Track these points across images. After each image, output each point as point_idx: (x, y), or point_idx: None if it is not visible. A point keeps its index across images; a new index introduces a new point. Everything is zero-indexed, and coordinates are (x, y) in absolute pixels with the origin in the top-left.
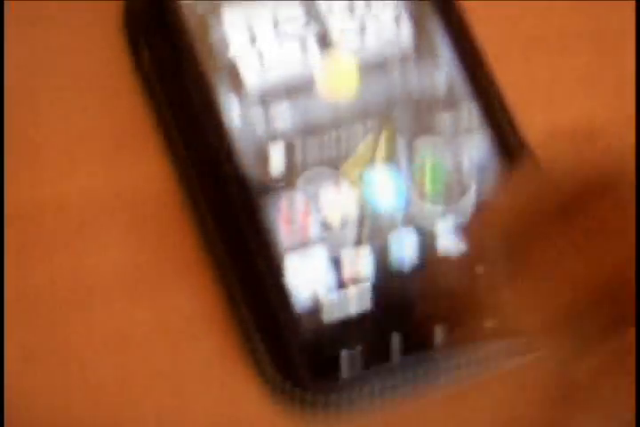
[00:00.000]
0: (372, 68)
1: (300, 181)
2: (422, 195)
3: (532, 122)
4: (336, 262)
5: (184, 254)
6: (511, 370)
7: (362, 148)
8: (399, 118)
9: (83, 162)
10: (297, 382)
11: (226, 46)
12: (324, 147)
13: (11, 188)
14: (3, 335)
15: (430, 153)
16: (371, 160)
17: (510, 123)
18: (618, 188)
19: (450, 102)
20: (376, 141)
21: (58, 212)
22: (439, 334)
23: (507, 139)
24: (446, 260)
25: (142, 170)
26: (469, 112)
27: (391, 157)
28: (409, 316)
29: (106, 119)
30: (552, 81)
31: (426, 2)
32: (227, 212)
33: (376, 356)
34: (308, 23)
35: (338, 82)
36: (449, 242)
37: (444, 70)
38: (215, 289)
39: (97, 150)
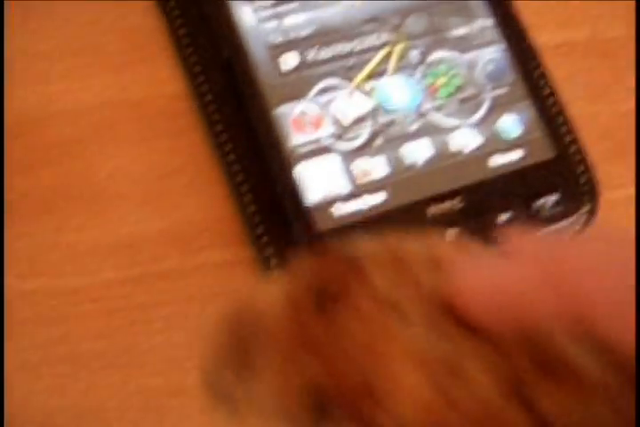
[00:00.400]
0: None
1: (313, 91)
2: (436, 107)
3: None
4: (349, 170)
5: (197, 164)
6: None
7: (376, 59)
8: (414, 30)
9: (97, 72)
10: None
11: None
12: (338, 57)
13: (25, 97)
14: (3, 337)
15: (444, 66)
16: (384, 72)
17: (525, 38)
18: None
19: (466, 15)
20: (390, 53)
21: (72, 120)
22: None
23: (521, 54)
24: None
25: (156, 79)
26: (484, 26)
27: (405, 70)
28: (421, 219)
29: (119, 30)
30: None
31: None
32: (240, 120)
33: None
34: None
35: None
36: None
37: None
38: (227, 201)
39: (111, 60)
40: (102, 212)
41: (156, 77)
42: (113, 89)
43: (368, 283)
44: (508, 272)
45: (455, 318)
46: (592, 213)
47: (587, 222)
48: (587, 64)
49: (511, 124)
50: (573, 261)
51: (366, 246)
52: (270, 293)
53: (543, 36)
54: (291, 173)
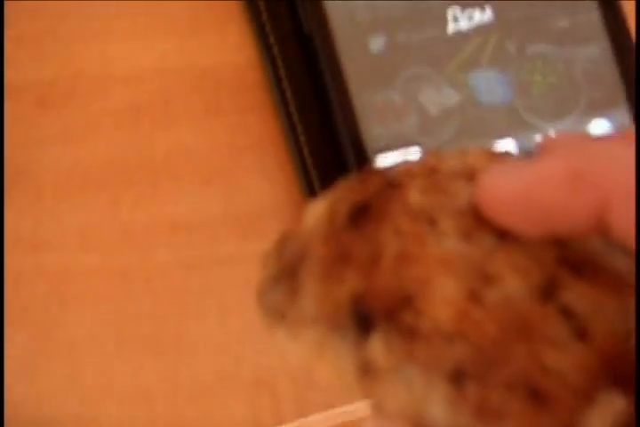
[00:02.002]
0: None
1: (400, 79)
2: (527, 107)
3: None
4: None
5: (264, 144)
6: None
7: (469, 48)
8: (512, 19)
9: (160, 34)
10: None
11: None
12: (427, 43)
13: (82, 55)
14: (3, 340)
15: (540, 61)
16: (477, 62)
17: (629, 36)
18: None
19: (568, 9)
20: (485, 42)
21: (130, 85)
22: None
23: (624, 54)
24: None
25: (224, 46)
26: (588, 21)
27: (499, 62)
28: None
29: None
30: None
31: None
32: (316, 102)
33: None
34: None
35: None
36: None
37: None
38: (294, 185)
39: (176, 21)
40: (159, 189)
41: (225, 44)
42: (176, 54)
43: (404, 197)
44: (534, 172)
45: (487, 225)
46: None
47: None
48: None
49: (603, 129)
50: (600, 158)
51: (405, 164)
52: (313, 212)
53: None
54: (368, 162)
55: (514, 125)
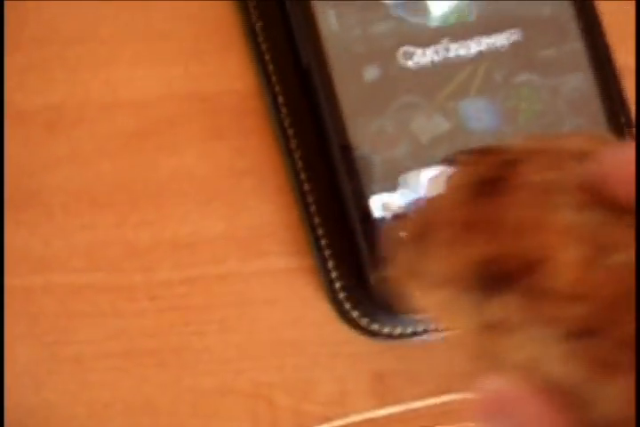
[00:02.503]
0: None
1: (392, 107)
2: (513, 133)
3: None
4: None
5: (264, 167)
6: None
7: (460, 77)
8: (500, 49)
9: (165, 60)
10: (367, 310)
11: None
12: (419, 73)
13: (89, 81)
14: (3, 345)
15: (527, 89)
16: (466, 91)
17: (612, 66)
18: None
19: (554, 39)
20: (474, 72)
21: (136, 110)
22: None
23: (607, 82)
24: None
25: (226, 73)
26: (573, 51)
27: (486, 92)
28: None
29: (191, 16)
30: None
31: None
32: (313, 127)
33: None
34: None
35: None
36: None
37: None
38: (292, 208)
39: (180, 48)
40: (163, 209)
41: (227, 71)
42: (180, 80)
43: (525, 173)
44: None
45: (600, 199)
46: None
47: None
48: None
49: None
50: None
51: (522, 144)
52: (445, 184)
53: (624, 58)
54: (360, 187)
55: None
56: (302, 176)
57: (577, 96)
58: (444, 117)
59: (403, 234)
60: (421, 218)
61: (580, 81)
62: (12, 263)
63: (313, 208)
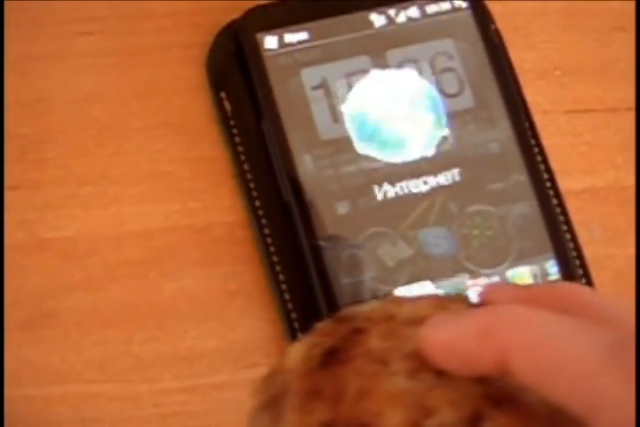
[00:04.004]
0: (435, 132)
1: (361, 238)
2: (468, 257)
3: (572, 185)
4: None
5: (252, 289)
6: None
7: (420, 209)
8: (454, 185)
9: (165, 197)
10: None
11: (302, 98)
12: (385, 207)
13: (100, 217)
14: (3, 352)
15: (479, 218)
16: (426, 221)
17: (556, 192)
18: None
19: (501, 172)
20: (432, 205)
21: (141, 241)
22: None
23: (549, 209)
24: None
25: (218, 207)
26: (518, 182)
27: (444, 220)
28: None
29: (187, 159)
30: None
31: (485, 71)
32: (294, 255)
33: None
34: (377, 79)
35: (404, 141)
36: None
37: (499, 138)
38: (277, 324)
39: (178, 187)
40: (165, 327)
41: (219, 206)
42: (179, 215)
43: (365, 342)
44: (457, 327)
45: (428, 365)
46: None
47: None
48: (605, 209)
49: (533, 274)
50: (505, 319)
51: (368, 309)
52: (293, 353)
53: (568, 181)
54: (339, 309)
55: (457, 273)
56: (286, 296)
57: (523, 223)
58: (406, 244)
59: (257, 400)
60: (274, 385)
61: (526, 208)
62: (33, 375)
63: (296, 324)
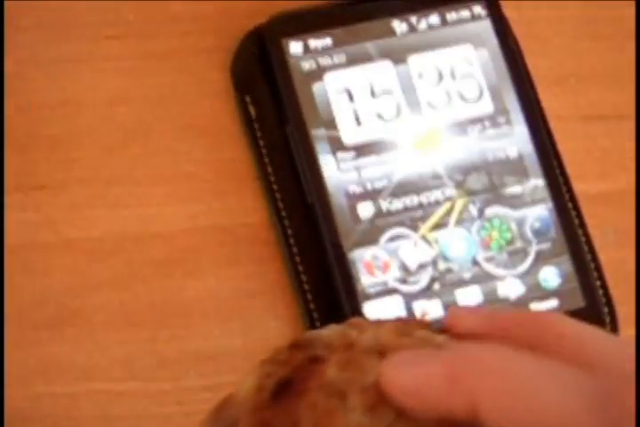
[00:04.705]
0: (454, 136)
1: (383, 238)
2: (488, 258)
3: (587, 189)
4: (410, 310)
5: (275, 289)
6: None
7: (440, 212)
8: (474, 187)
9: (190, 198)
10: None
11: (326, 102)
12: (407, 209)
13: (127, 217)
14: (2, 337)
15: (498, 221)
16: (446, 224)
17: (571, 196)
18: None
19: (519, 176)
20: (452, 207)
21: (166, 241)
22: None
23: (565, 213)
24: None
25: (242, 208)
26: (536, 186)
27: (464, 223)
28: None
29: (211, 161)
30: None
31: (504, 77)
32: (317, 257)
33: None
34: (400, 86)
35: (424, 146)
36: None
37: (517, 143)
38: (300, 324)
39: (202, 188)
40: (190, 326)
41: (243, 207)
42: (203, 215)
43: (322, 372)
44: (422, 371)
45: (387, 400)
46: None
47: None
48: (618, 213)
49: (551, 275)
50: (473, 364)
51: (327, 334)
52: (244, 385)
53: (583, 185)
54: (359, 310)
55: (477, 275)
56: (308, 296)
57: (540, 226)
58: (427, 246)
59: None
60: (222, 419)
61: (542, 212)
62: (59, 373)
63: (318, 323)
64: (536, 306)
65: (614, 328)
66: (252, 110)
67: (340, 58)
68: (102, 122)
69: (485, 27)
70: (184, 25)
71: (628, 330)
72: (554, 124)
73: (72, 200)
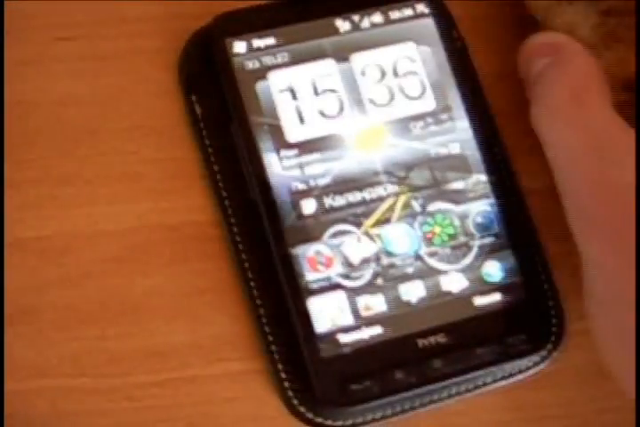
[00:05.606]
0: (397, 132)
1: (326, 234)
2: (430, 253)
3: (532, 183)
4: (353, 305)
5: (222, 286)
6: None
7: (382, 208)
8: (416, 184)
9: (137, 197)
10: (312, 406)
11: (269, 101)
12: (349, 205)
13: (75, 217)
14: (3, 349)
15: (440, 216)
16: (389, 220)
17: (516, 191)
18: None
19: (462, 172)
20: (395, 203)
21: (114, 240)
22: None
23: (510, 206)
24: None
25: (189, 206)
26: (478, 181)
27: (406, 218)
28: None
29: (158, 160)
30: None
31: (447, 74)
32: (262, 253)
33: (384, 387)
34: (343, 84)
35: (367, 143)
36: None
37: (460, 139)
38: (246, 320)
39: (150, 187)
40: (138, 323)
41: (190, 205)
42: (151, 214)
43: None
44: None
45: None
46: (556, 349)
47: (551, 357)
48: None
49: (494, 270)
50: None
51: None
52: None
53: (529, 181)
54: (303, 304)
55: (420, 270)
56: (255, 293)
57: (483, 220)
58: (370, 241)
59: None
60: None
61: (485, 207)
62: (11, 371)
63: (264, 319)
64: (479, 300)
65: (561, 322)
66: (199, 110)
67: (283, 57)
68: (53, 122)
69: (428, 25)
70: (133, 26)
71: (575, 324)
72: (498, 120)
73: (24, 200)
